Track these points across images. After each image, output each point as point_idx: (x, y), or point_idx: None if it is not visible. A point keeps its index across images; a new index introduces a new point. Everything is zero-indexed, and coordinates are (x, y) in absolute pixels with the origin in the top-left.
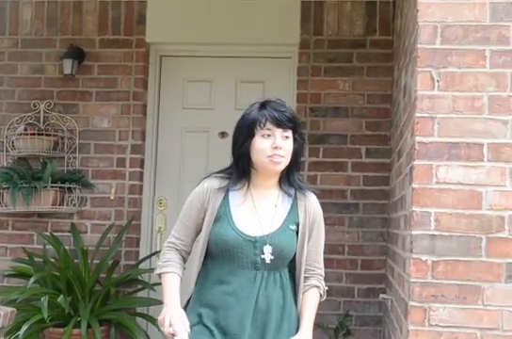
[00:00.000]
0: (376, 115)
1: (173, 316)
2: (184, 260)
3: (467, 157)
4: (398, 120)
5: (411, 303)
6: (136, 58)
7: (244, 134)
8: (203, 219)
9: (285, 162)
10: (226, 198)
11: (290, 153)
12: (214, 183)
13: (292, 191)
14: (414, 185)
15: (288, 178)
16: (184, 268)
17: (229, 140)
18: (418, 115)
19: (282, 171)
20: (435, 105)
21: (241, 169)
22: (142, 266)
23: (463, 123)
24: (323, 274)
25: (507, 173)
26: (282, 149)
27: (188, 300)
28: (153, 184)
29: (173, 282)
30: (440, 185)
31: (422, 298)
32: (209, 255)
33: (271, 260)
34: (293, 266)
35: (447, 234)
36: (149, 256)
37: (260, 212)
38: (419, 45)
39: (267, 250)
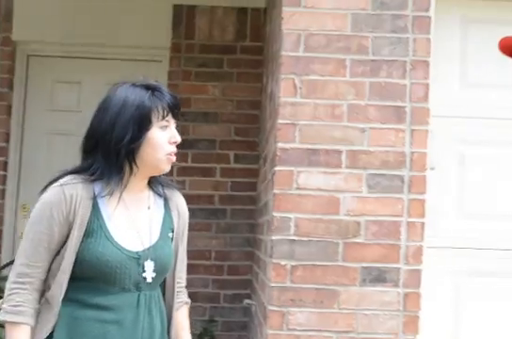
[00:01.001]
0: (244, 121)
1: None
2: (41, 294)
3: (326, 164)
4: (265, 126)
5: (270, 308)
6: (2, 57)
7: (137, 125)
8: (67, 236)
9: None
10: (96, 206)
11: None
12: (77, 188)
13: (160, 190)
14: (275, 191)
15: (155, 176)
16: (39, 311)
17: None
18: (280, 121)
19: None
20: (297, 112)
21: (120, 169)
22: (3, 273)
23: (323, 130)
24: (186, 285)
25: (364, 180)
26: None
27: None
28: (17, 188)
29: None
30: (301, 191)
31: (280, 302)
32: (76, 279)
33: (153, 278)
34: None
35: (306, 239)
36: (10, 263)
37: (136, 221)
38: (283, 52)
39: (149, 266)
